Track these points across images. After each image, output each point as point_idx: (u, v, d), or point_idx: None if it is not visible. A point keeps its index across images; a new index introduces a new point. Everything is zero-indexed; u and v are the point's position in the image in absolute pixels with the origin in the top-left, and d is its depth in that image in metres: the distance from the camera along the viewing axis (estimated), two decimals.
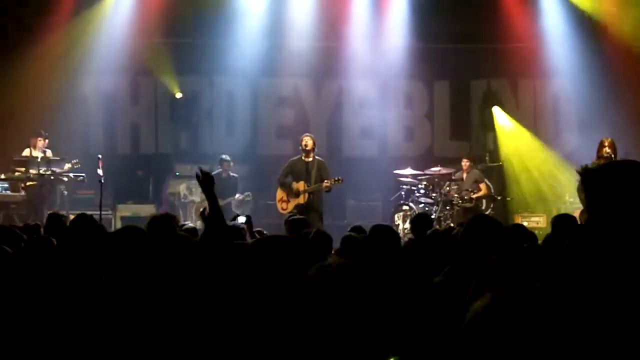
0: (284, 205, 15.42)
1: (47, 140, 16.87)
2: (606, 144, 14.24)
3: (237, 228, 8.00)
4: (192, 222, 17.45)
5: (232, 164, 17.96)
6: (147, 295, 4.78)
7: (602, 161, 14.19)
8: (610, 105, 18.30)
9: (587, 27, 18.71)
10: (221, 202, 15.81)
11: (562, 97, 19.63)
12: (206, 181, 6.61)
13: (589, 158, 14.59)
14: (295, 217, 10.14)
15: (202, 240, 5.87)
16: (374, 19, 19.59)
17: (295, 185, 15.26)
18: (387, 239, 7.32)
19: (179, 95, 20.01)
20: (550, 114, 20.03)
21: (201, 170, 6.66)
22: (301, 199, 15.14)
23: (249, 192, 18.35)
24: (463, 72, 19.87)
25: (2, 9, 18.51)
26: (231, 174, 17.90)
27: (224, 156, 17.91)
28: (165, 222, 6.81)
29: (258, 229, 9.83)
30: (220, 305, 4.64)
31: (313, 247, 7.24)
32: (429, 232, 8.32)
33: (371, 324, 3.21)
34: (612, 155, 14.11)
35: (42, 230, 9.72)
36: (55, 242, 6.82)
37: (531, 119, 20.03)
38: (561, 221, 7.79)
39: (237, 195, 17.88)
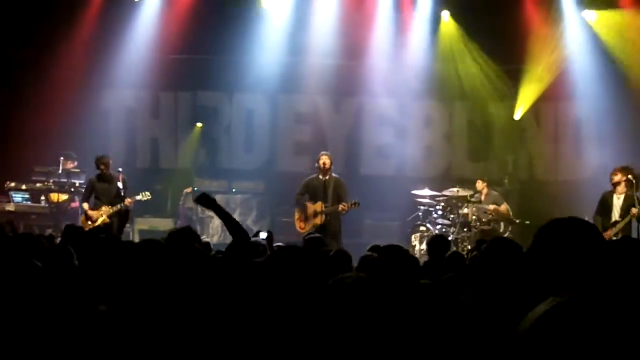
0: (302, 224, 15.35)
1: (76, 162, 17.02)
2: (616, 178, 14.50)
3: (258, 244, 8.01)
4: (208, 236, 17.53)
5: (110, 160, 15.86)
6: (166, 308, 4.80)
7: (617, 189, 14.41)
8: (632, 127, 18.31)
9: (610, 49, 18.66)
10: (110, 210, 15.53)
11: (584, 120, 19.53)
12: (204, 200, 6.67)
13: (609, 183, 14.60)
14: (312, 235, 10.15)
15: (227, 253, 5.90)
16: (394, 38, 19.60)
17: (311, 206, 15.24)
18: (403, 259, 7.32)
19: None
20: (571, 137, 19.95)
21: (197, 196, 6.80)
22: (318, 220, 15.12)
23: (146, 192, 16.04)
24: (483, 92, 19.83)
25: (28, 26, 18.69)
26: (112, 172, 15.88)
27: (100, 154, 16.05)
28: (185, 236, 6.83)
29: (278, 243, 9.84)
30: (236, 316, 4.67)
31: (333, 265, 7.29)
32: (447, 254, 8.29)
33: (384, 338, 3.23)
34: (625, 182, 14.29)
35: (57, 241, 9.76)
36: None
37: (552, 141, 19.99)
38: None
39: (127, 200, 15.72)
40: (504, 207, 17.13)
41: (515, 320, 3.13)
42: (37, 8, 18.62)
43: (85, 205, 15.68)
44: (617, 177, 14.56)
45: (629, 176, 14.38)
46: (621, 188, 14.49)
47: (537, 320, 2.01)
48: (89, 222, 15.34)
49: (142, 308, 4.81)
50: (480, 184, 17.36)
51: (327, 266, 7.28)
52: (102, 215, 15.53)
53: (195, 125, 20.30)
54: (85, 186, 16.13)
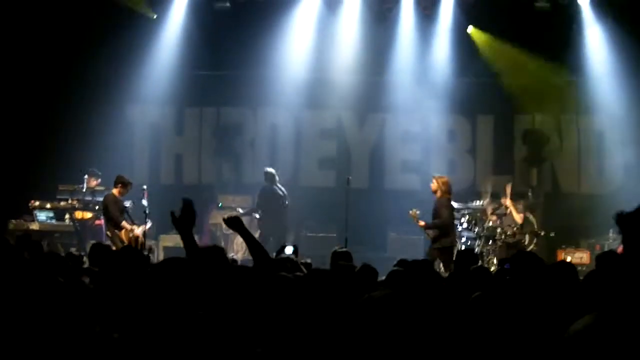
0: None
1: (99, 180, 17.07)
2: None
3: (286, 260, 7.98)
4: (233, 253, 17.54)
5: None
6: (193, 327, 4.81)
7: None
8: None
9: (633, 62, 18.54)
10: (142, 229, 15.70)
11: (607, 133, 19.45)
12: (234, 223, 6.51)
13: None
14: (341, 250, 10.17)
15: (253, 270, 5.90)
16: (418, 54, 19.59)
17: None
18: (429, 274, 7.31)
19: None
20: (594, 150, 19.85)
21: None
22: None
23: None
24: (507, 106, 19.77)
25: (53, 43, 18.83)
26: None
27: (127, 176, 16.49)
28: (214, 254, 6.85)
29: (306, 260, 9.83)
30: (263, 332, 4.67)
31: (359, 279, 7.30)
32: (472, 267, 8.25)
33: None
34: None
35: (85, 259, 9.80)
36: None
37: (575, 154, 19.91)
38: (606, 258, 7.68)
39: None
40: (520, 216, 17.10)
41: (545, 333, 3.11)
42: (61, 24, 18.74)
43: (130, 226, 15.82)
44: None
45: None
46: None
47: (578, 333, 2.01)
48: (141, 239, 15.46)
49: (165, 329, 4.83)
50: (505, 202, 17.36)
51: (353, 281, 7.28)
52: (139, 235, 15.73)
53: (219, 140, 20.36)
54: (110, 204, 15.94)
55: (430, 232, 15.34)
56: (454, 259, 13.14)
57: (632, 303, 2.77)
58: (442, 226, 14.96)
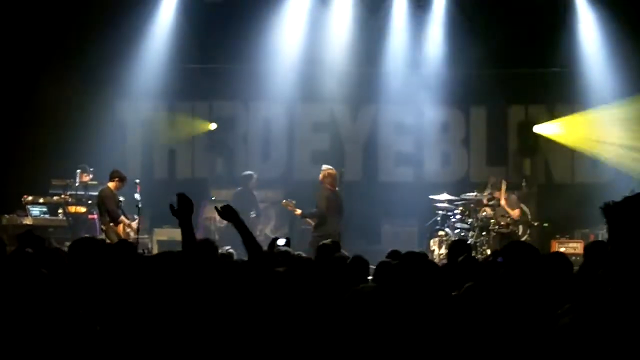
0: None
1: (91, 175, 17.03)
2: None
3: (277, 255, 7.94)
4: (230, 246, 17.47)
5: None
6: (188, 319, 4.80)
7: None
8: None
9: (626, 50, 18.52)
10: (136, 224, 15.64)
11: (600, 123, 19.42)
12: (228, 213, 6.41)
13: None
14: (326, 242, 10.14)
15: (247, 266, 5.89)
16: (411, 45, 19.56)
17: None
18: (422, 267, 7.29)
19: (213, 126, 20.18)
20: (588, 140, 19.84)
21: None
22: None
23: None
24: (500, 97, 19.75)
25: (45, 37, 18.76)
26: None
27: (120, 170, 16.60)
28: (205, 248, 6.84)
29: (298, 252, 9.79)
30: (254, 326, 4.66)
31: (350, 271, 7.30)
32: (460, 258, 8.19)
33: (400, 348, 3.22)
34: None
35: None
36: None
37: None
38: (594, 249, 7.61)
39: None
40: (517, 212, 17.12)
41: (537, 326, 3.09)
42: (52, 19, 18.68)
43: (126, 219, 15.89)
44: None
45: None
46: None
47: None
48: (133, 235, 15.46)
49: (160, 321, 4.82)
50: (497, 194, 17.38)
51: (345, 273, 7.28)
52: (135, 228, 15.73)
53: (212, 135, 20.32)
54: (107, 198, 15.89)
55: (310, 220, 16.03)
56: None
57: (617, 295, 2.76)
58: (319, 216, 15.66)
